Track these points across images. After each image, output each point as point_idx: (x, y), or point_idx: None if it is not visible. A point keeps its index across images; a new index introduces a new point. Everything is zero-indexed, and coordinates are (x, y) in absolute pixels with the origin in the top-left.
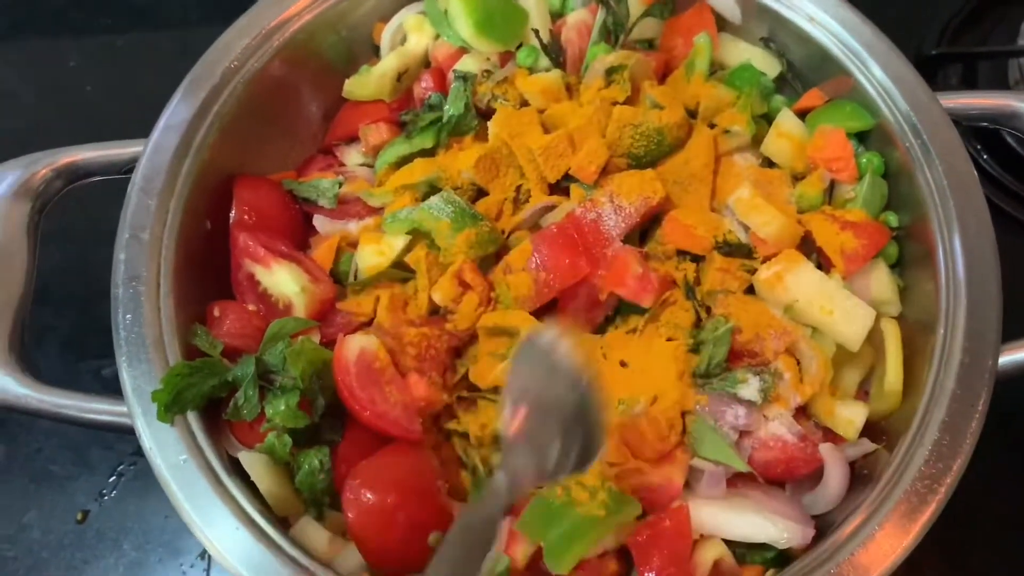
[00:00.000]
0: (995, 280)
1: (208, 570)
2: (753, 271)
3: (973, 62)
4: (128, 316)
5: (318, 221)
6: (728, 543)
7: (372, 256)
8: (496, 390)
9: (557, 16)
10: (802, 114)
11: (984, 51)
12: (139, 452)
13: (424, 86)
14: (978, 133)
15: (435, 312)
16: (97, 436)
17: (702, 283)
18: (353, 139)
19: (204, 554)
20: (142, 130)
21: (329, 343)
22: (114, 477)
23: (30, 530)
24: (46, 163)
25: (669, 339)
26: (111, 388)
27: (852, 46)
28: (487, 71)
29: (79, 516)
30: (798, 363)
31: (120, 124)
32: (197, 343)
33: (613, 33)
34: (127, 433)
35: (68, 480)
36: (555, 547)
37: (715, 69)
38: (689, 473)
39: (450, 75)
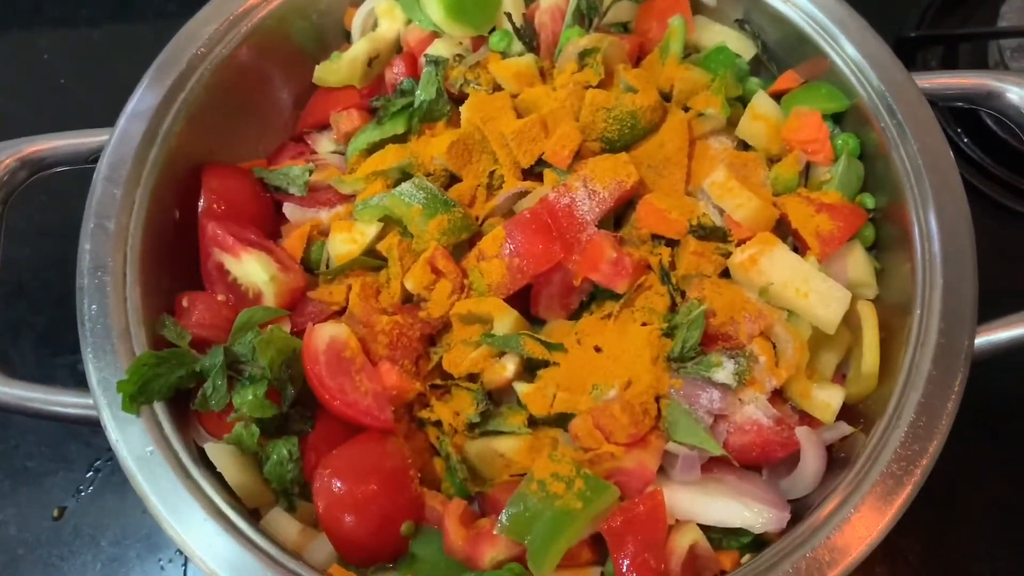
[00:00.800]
0: (971, 261)
1: (186, 565)
2: (728, 254)
3: (953, 44)
4: (94, 307)
5: (288, 209)
6: (704, 528)
7: (344, 244)
8: (470, 378)
9: (530, 0)
10: (777, 96)
11: (964, 33)
12: None
13: (396, 71)
14: (957, 114)
15: (408, 300)
16: (74, 431)
17: (677, 267)
18: (324, 126)
19: None
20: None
21: (300, 332)
22: (91, 472)
23: (6, 527)
24: (9, 153)
25: (644, 324)
26: (83, 387)
27: (826, 25)
28: (459, 56)
29: (56, 512)
30: (774, 346)
31: (94, 116)
32: (165, 334)
33: (587, 16)
34: (98, 426)
35: (44, 476)
36: (536, 548)
37: (690, 52)
38: (664, 458)
39: (422, 60)
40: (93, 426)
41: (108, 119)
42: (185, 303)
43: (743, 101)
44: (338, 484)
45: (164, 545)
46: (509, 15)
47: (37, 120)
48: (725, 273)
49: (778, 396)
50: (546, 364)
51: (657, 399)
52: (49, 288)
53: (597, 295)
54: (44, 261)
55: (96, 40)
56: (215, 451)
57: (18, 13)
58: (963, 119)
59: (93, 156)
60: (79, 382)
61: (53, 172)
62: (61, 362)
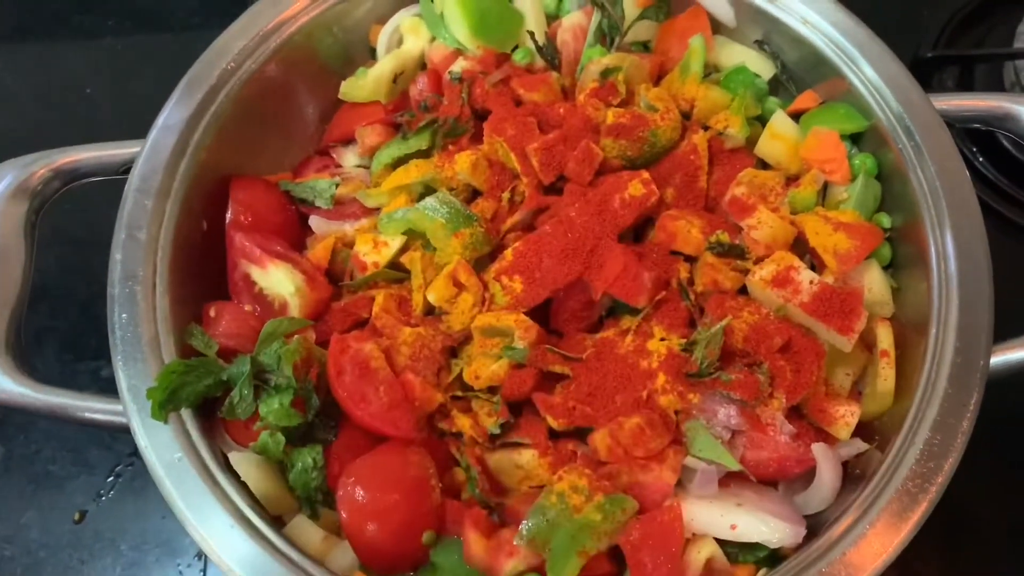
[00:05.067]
0: (987, 280)
1: (205, 570)
2: (746, 271)
3: (969, 65)
4: (124, 315)
5: (314, 222)
6: (720, 542)
7: (368, 256)
8: (491, 390)
9: (553, 18)
10: (796, 116)
11: (980, 53)
12: (137, 452)
13: (420, 88)
14: (973, 135)
15: (430, 312)
16: (95, 436)
17: (695, 283)
18: (349, 141)
19: (201, 554)
20: (142, 133)
21: (325, 343)
22: (112, 477)
23: (28, 530)
24: (43, 164)
25: (662, 339)
26: (109, 389)
27: (845, 48)
28: (482, 72)
29: (77, 516)
30: (791, 363)
31: (120, 126)
32: (193, 343)
33: (608, 35)
34: (123, 432)
35: (66, 480)
36: (556, 559)
37: (710, 71)
38: (681, 472)
39: (446, 76)
40: (120, 432)
41: (133, 129)
42: (213, 313)
43: (762, 120)
44: (361, 493)
45: (183, 550)
46: (532, 33)
47: (63, 129)
48: (743, 290)
49: (795, 412)
50: (566, 377)
51: (676, 414)
52: (72, 295)
53: (616, 310)
54: (68, 268)
55: (121, 51)
56: (239, 460)
57: (44, 24)
58: (979, 139)
59: (125, 167)
60: (101, 387)
61: (83, 183)
62: (83, 368)
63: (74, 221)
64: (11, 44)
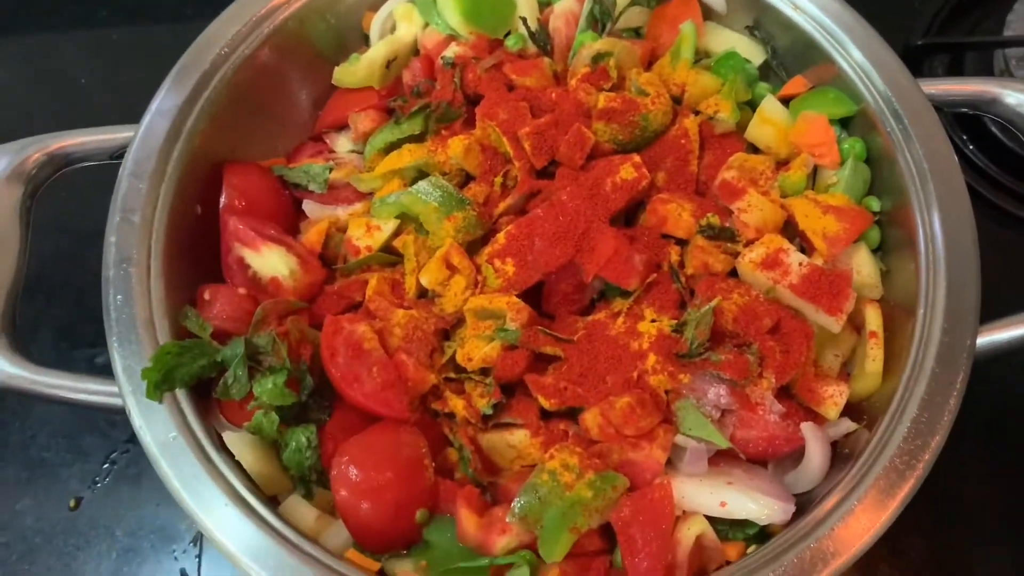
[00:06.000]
0: (974, 261)
1: (200, 556)
2: (736, 254)
3: (960, 52)
4: (119, 297)
5: (308, 206)
6: (710, 519)
7: (361, 240)
8: (483, 372)
9: (545, 5)
10: (786, 101)
11: (970, 41)
12: (133, 439)
13: (413, 73)
14: (963, 123)
15: (423, 295)
16: (90, 423)
17: (686, 266)
18: (343, 126)
19: (196, 540)
20: (136, 122)
21: (318, 324)
22: (107, 464)
23: (23, 517)
24: (37, 148)
25: (653, 320)
26: (105, 376)
27: (834, 31)
28: (475, 58)
29: (72, 503)
30: (780, 344)
31: (113, 116)
32: (187, 325)
33: (600, 22)
34: (118, 414)
35: (61, 467)
36: (547, 536)
37: (700, 57)
38: (672, 450)
39: (439, 62)
40: (116, 413)
41: (126, 118)
42: (207, 296)
43: (752, 105)
44: (355, 472)
45: (178, 536)
46: (524, 19)
47: (56, 120)
48: (733, 272)
49: (784, 393)
50: (557, 358)
51: (666, 393)
52: (68, 283)
53: (608, 292)
54: (63, 256)
55: (114, 41)
56: (233, 440)
57: (38, 15)
58: (968, 126)
59: (118, 152)
60: (97, 375)
61: (76, 169)
62: (79, 355)
63: (70, 210)
64: (4, 34)
